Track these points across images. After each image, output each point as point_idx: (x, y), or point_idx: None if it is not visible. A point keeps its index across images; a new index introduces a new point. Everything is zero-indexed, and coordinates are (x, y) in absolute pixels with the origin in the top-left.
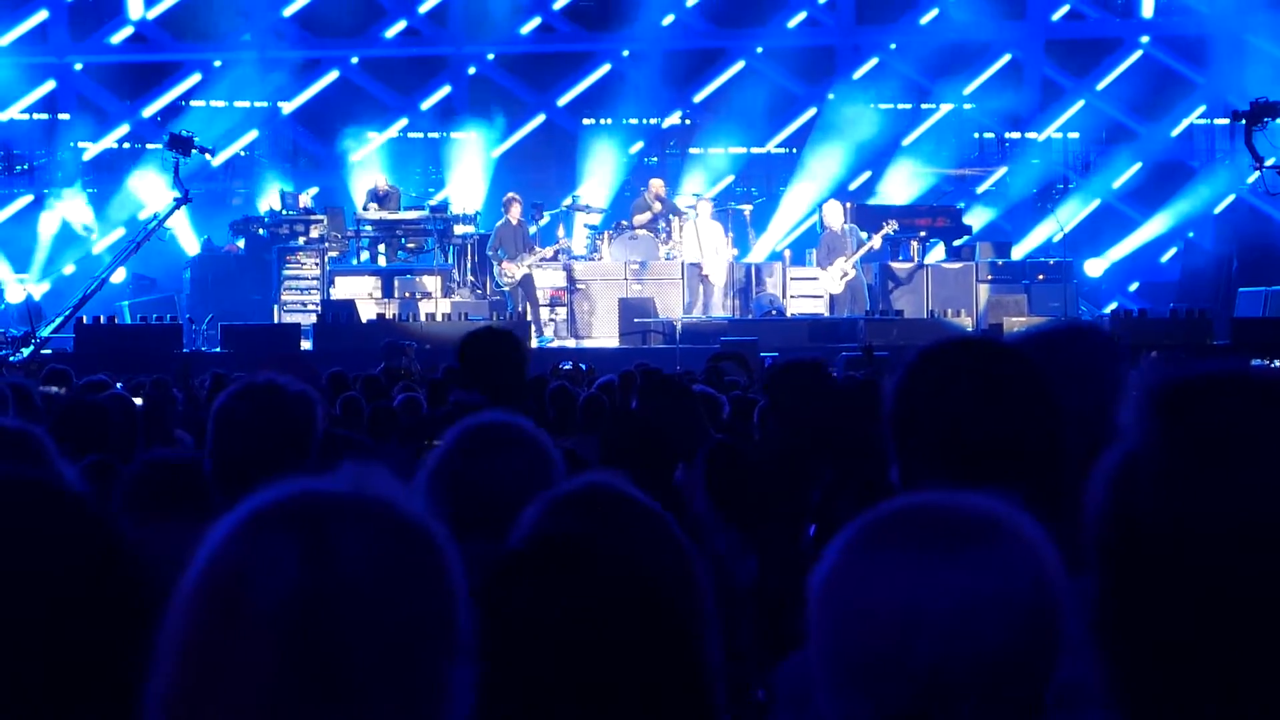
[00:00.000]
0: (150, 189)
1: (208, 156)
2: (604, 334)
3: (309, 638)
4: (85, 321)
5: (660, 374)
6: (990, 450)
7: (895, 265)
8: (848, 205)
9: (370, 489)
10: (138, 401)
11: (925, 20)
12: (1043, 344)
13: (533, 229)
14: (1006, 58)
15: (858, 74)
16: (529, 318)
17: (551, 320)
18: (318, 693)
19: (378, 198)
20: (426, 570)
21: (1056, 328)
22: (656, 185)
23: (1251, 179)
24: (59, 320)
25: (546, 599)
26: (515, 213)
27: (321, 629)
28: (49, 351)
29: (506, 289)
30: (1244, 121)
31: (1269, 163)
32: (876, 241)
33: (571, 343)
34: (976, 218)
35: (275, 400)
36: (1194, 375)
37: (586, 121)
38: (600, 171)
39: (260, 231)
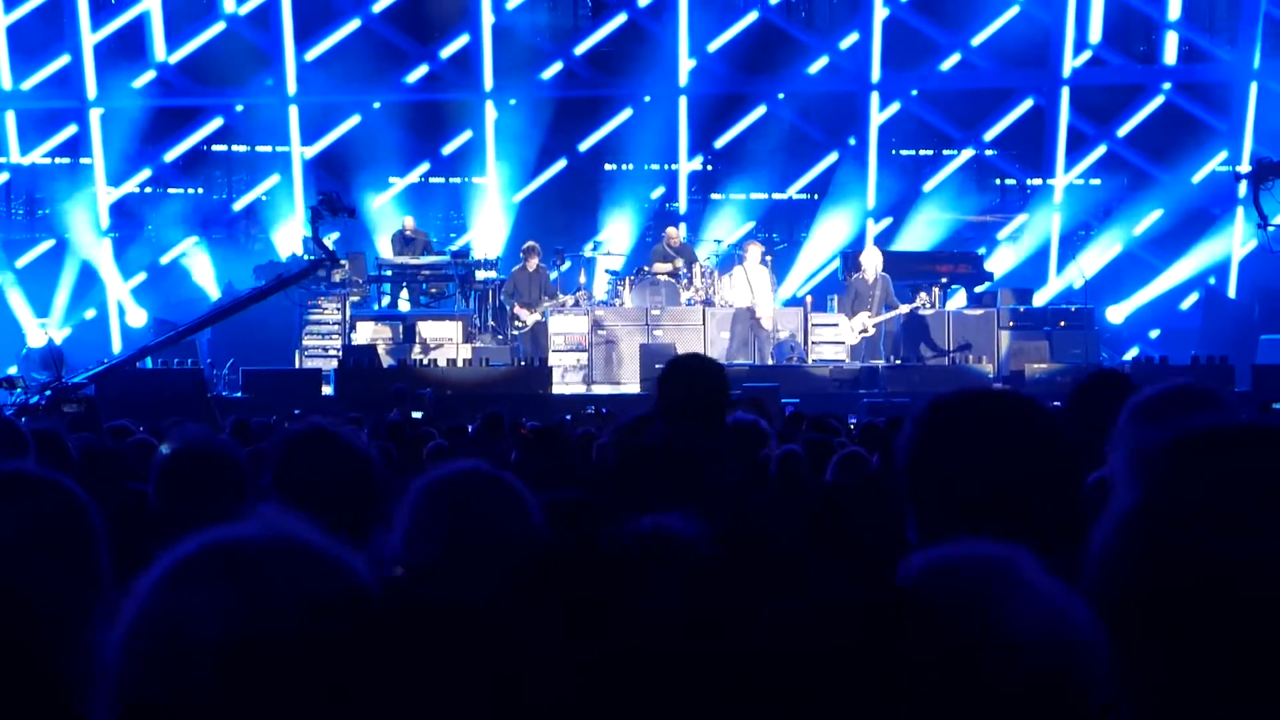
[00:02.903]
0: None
1: (349, 216)
2: (626, 379)
3: (247, 680)
4: (106, 365)
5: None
6: (1004, 502)
7: (916, 312)
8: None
9: (288, 530)
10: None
11: (947, 66)
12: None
13: (554, 274)
14: (1028, 103)
15: (879, 120)
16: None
17: (575, 366)
18: None
19: (405, 240)
20: (349, 603)
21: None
22: (672, 234)
23: (1250, 245)
24: (96, 369)
25: None
26: (533, 262)
27: (259, 670)
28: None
29: (516, 334)
30: (1249, 180)
31: (1277, 221)
32: (904, 310)
33: (596, 388)
34: (998, 264)
35: (336, 449)
36: (1183, 431)
37: (608, 167)
38: (622, 216)
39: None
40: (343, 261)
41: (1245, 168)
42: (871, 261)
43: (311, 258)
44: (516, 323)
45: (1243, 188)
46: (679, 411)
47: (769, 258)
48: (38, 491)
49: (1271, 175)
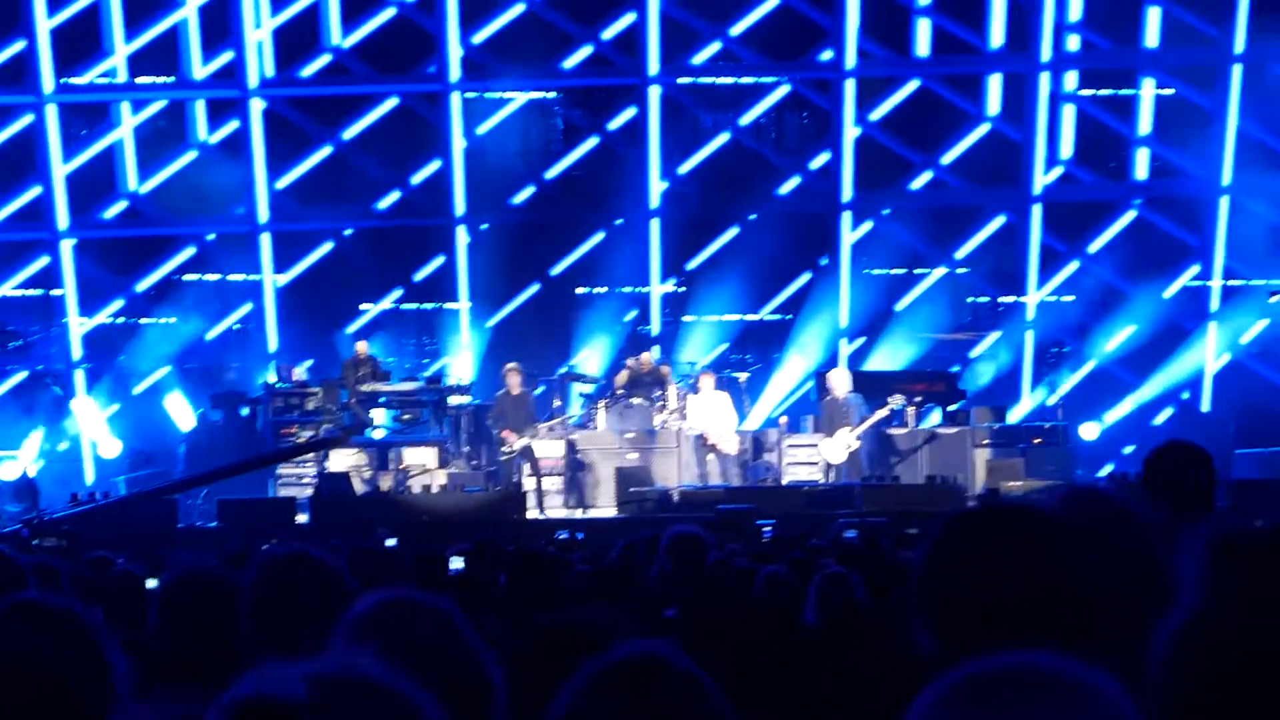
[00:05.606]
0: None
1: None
2: (602, 503)
3: None
4: (80, 498)
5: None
6: (1027, 615)
7: (890, 431)
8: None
9: (357, 669)
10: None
11: (918, 184)
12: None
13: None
14: (1000, 221)
15: (851, 239)
16: (529, 488)
17: (555, 491)
18: None
19: (355, 366)
20: None
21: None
22: (645, 359)
23: (1223, 359)
24: (80, 508)
25: None
26: (515, 382)
27: None
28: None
29: (505, 459)
30: None
31: None
32: (883, 413)
33: (578, 512)
34: (971, 382)
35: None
36: (1253, 532)
37: (581, 290)
38: (595, 340)
39: (243, 410)
40: (377, 426)
41: None
42: (841, 381)
43: (346, 416)
44: (504, 447)
45: None
46: (1162, 485)
47: (742, 377)
48: (52, 620)
49: None
